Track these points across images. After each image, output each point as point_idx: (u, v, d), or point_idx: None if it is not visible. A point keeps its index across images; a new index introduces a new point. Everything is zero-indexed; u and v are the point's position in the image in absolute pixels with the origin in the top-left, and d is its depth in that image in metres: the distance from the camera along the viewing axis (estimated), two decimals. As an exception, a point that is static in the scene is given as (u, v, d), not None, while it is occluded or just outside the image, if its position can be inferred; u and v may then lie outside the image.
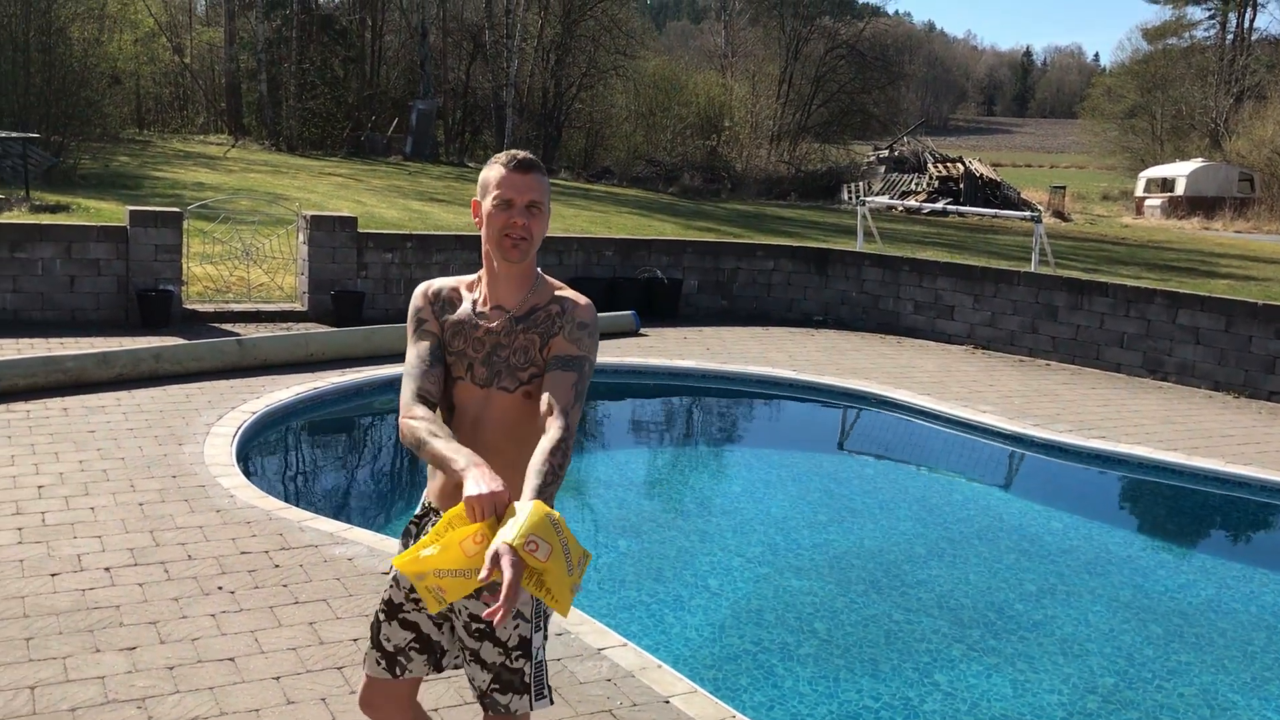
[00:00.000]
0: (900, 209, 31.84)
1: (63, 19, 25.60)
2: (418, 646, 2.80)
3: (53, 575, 4.84)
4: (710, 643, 5.23)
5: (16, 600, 4.57)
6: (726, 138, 40.89)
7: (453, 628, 2.77)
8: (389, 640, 2.81)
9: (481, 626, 2.66)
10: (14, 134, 20.27)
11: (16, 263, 9.98)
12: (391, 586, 2.85)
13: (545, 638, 2.73)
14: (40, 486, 5.94)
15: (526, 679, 2.66)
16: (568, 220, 22.37)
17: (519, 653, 2.65)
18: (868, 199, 17.25)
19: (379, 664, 2.82)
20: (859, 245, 14.93)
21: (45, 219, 14.97)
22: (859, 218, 15.46)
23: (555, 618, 3.98)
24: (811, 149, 44.08)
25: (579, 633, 4.60)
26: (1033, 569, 6.48)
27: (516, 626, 2.64)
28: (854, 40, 49.15)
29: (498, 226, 2.65)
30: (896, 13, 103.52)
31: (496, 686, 2.66)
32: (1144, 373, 11.25)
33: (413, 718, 2.93)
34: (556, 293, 2.72)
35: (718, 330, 12.43)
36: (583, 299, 2.72)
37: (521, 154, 2.70)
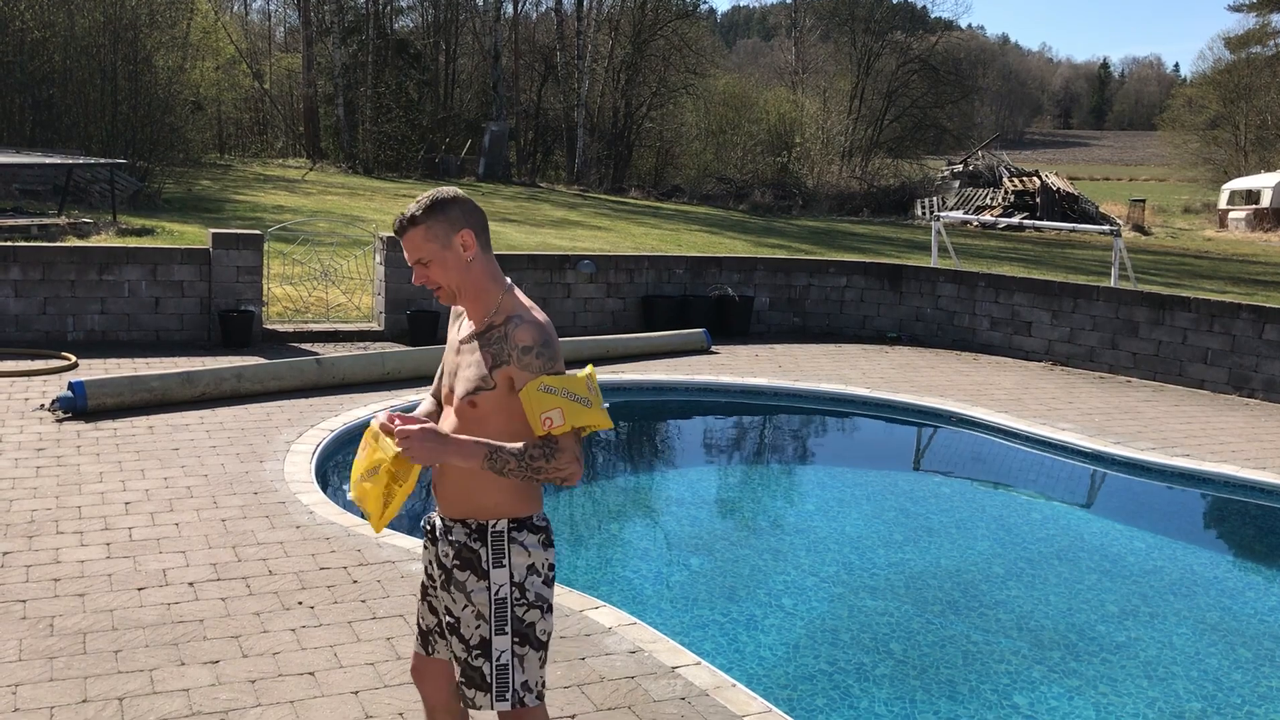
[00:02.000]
0: (975, 224, 31.45)
1: (148, 48, 26.39)
2: (439, 631, 2.98)
3: (139, 589, 4.96)
4: (785, 662, 5.19)
5: (106, 614, 4.69)
6: (797, 154, 40.78)
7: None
8: (421, 619, 3.05)
9: (450, 621, 2.86)
10: (102, 160, 20.92)
11: (105, 285, 10.28)
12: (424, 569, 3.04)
13: (528, 644, 2.80)
14: (127, 503, 6.10)
15: (487, 678, 2.79)
16: (638, 239, 22.46)
17: (478, 652, 2.80)
18: (942, 214, 17.08)
19: (417, 639, 3.08)
20: (934, 261, 14.77)
21: (131, 242, 15.41)
22: (933, 233, 15.30)
23: (557, 627, 3.97)
24: (884, 164, 43.79)
25: (652, 650, 4.60)
26: (1115, 590, 6.34)
27: (478, 627, 2.80)
28: (926, 54, 48.82)
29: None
30: (970, 26, 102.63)
31: (463, 680, 2.85)
32: (1229, 389, 10.96)
33: (450, 696, 3.04)
34: (511, 313, 2.79)
35: (790, 347, 12.38)
36: (528, 318, 2.74)
37: (404, 214, 2.84)
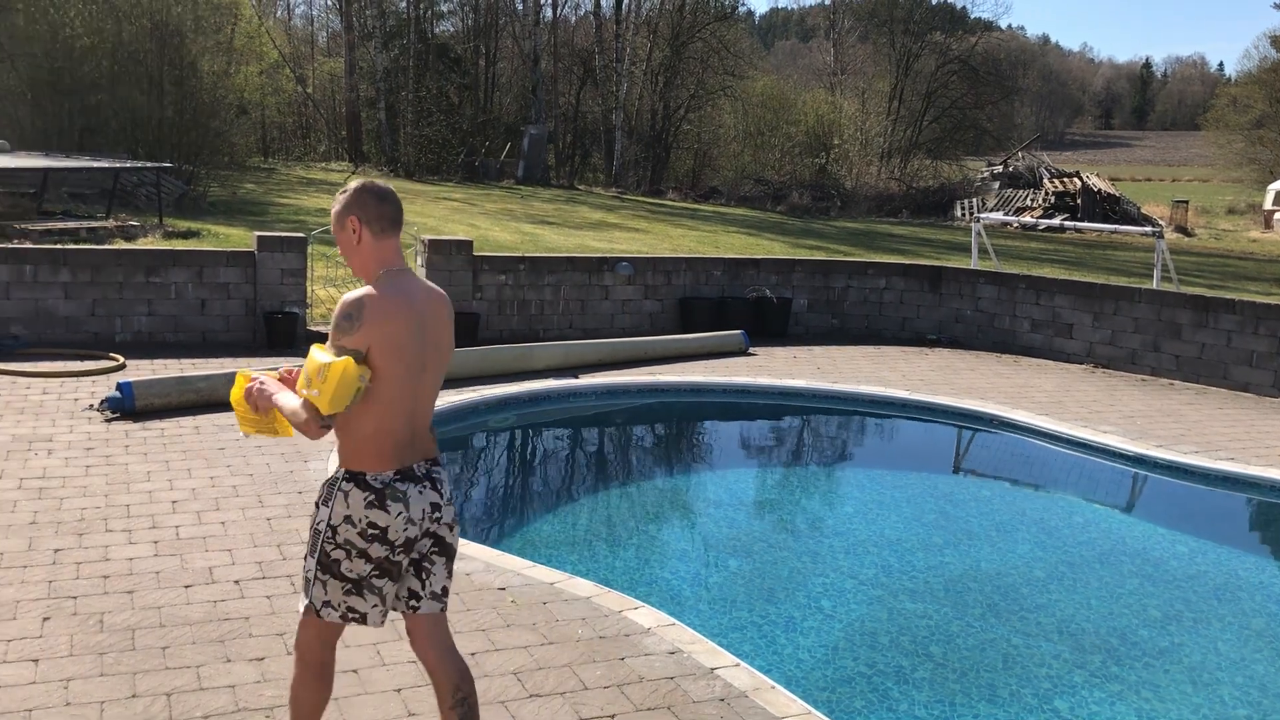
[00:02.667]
0: (1015, 225, 31.20)
1: (194, 53, 26.73)
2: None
3: (186, 587, 5.05)
4: (824, 664, 5.20)
5: (154, 610, 4.79)
6: (836, 155, 40.62)
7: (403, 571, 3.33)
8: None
9: None
10: (149, 164, 21.22)
11: (152, 287, 10.45)
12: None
13: (329, 573, 3.26)
14: (174, 501, 6.20)
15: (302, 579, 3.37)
16: (675, 241, 22.47)
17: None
18: (982, 215, 16.96)
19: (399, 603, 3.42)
20: (974, 263, 14.69)
21: (178, 244, 15.63)
22: (973, 234, 15.21)
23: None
24: (923, 165, 43.50)
25: (691, 651, 4.62)
26: (1157, 594, 6.28)
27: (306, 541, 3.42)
28: (966, 55, 48.46)
29: None
30: (1010, 27, 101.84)
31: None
32: (1275, 392, 10.82)
33: (437, 656, 3.42)
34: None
35: (828, 349, 12.35)
36: (352, 294, 3.17)
37: None
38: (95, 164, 19.56)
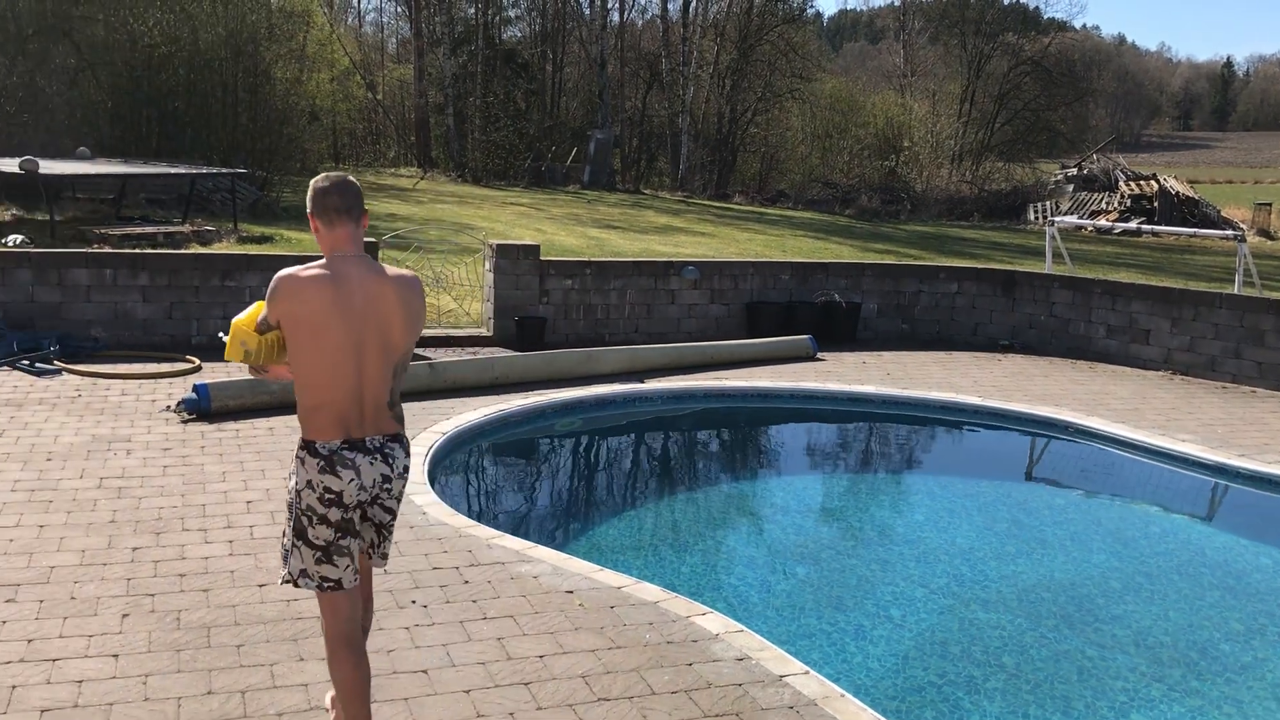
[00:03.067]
0: (1090, 229, 30.62)
1: (267, 61, 27.21)
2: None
3: (260, 586, 5.12)
4: (894, 673, 5.13)
5: (229, 609, 4.86)
6: (905, 158, 40.22)
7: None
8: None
9: None
10: (224, 170, 21.64)
11: (227, 291, 10.64)
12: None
13: (301, 539, 3.55)
14: (249, 502, 6.30)
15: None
16: (742, 244, 22.39)
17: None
18: (1056, 219, 16.66)
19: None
20: (1048, 267, 14.44)
21: (251, 249, 15.92)
22: (1047, 238, 14.95)
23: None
24: (995, 168, 42.87)
25: (760, 659, 4.59)
26: (1239, 608, 6.11)
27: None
28: (1039, 56, 47.72)
29: None
30: (1084, 26, 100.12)
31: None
32: (1364, 401, 10.48)
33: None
34: None
35: (898, 355, 12.21)
36: (279, 272, 3.53)
37: None
38: (172, 170, 19.99)
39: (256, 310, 3.59)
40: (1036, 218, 34.57)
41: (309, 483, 3.49)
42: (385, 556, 3.79)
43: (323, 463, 3.48)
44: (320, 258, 3.58)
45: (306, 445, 3.52)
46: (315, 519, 3.50)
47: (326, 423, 3.50)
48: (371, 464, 3.53)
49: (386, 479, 3.58)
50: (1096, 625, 5.75)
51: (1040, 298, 13.06)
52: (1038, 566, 6.66)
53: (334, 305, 3.46)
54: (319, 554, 3.53)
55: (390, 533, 3.75)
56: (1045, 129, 48.06)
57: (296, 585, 3.58)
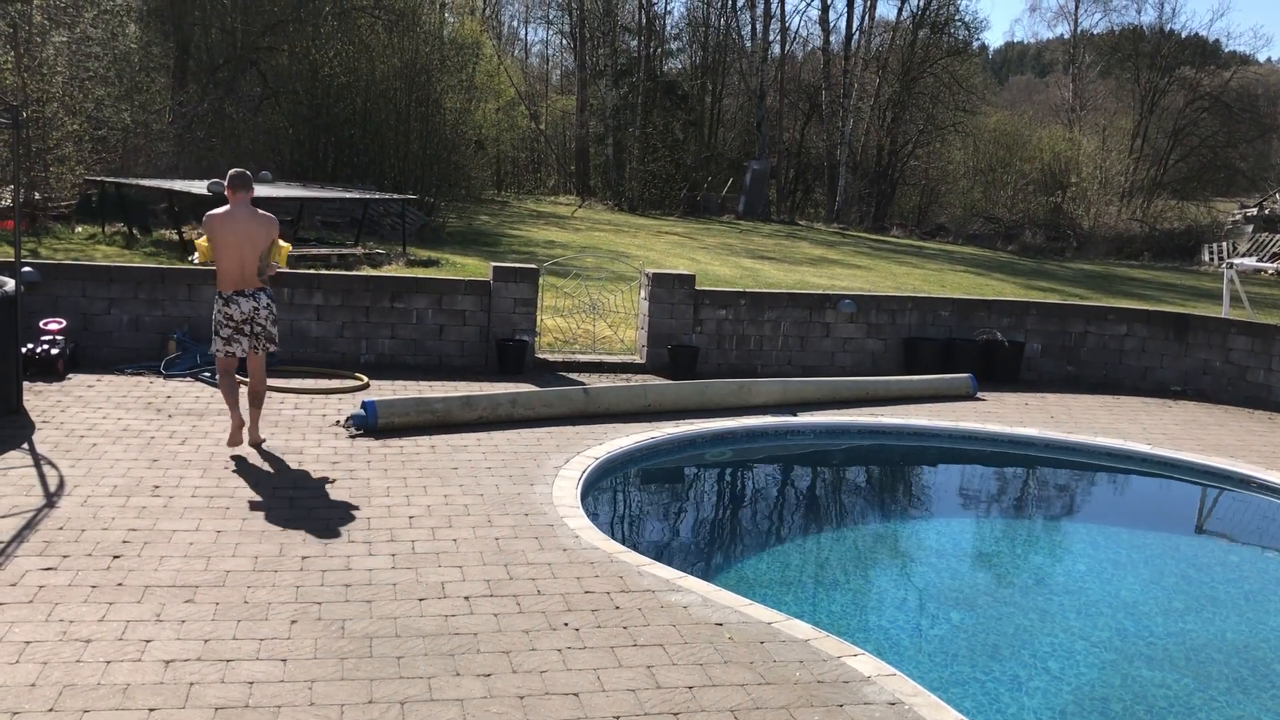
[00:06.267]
0: (1271, 271, 29.05)
1: (439, 91, 28.20)
2: (250, 337, 7.70)
3: (420, 600, 5.28)
4: (1052, 728, 4.95)
5: (390, 620, 5.03)
6: (1072, 194, 39.01)
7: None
8: (238, 340, 7.64)
9: (257, 329, 7.75)
10: (397, 195, 22.49)
11: (396, 312, 11.04)
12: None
13: (215, 336, 7.63)
14: (411, 517, 6.51)
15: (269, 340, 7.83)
16: (899, 279, 22.07)
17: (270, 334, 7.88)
18: (1234, 260, 15.90)
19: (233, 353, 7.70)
20: (1225, 311, 13.79)
21: (419, 273, 16.48)
22: (1225, 281, 14.28)
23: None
24: (1167, 206, 41.23)
25: (913, 704, 4.50)
26: None
27: (270, 324, 7.82)
28: (1219, 91, 45.70)
29: None
30: (1269, 60, 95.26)
31: (263, 343, 7.79)
32: None
33: (253, 368, 7.77)
34: None
35: (1062, 397, 11.83)
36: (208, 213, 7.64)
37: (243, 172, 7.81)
38: (347, 195, 20.88)
39: (203, 238, 7.50)
40: (1212, 259, 33.05)
41: (219, 309, 7.52)
42: (268, 350, 7.69)
43: (224, 301, 7.51)
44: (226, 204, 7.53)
45: (219, 294, 7.53)
46: (221, 326, 7.55)
47: (226, 282, 7.51)
48: (244, 300, 7.51)
49: (255, 308, 7.54)
50: (1274, 691, 5.44)
51: (1216, 343, 12.47)
52: (1208, 625, 6.34)
53: (227, 228, 7.43)
54: (224, 342, 7.57)
55: (264, 337, 7.62)
56: (1223, 166, 45.98)
57: (214, 357, 7.73)
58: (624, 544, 6.40)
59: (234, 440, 7.64)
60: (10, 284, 8.29)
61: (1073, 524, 8.85)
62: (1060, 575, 7.43)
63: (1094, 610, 6.46)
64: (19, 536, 5.78)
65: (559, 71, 58.37)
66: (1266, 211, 37.64)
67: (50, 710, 4.07)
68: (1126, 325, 12.93)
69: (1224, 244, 34.82)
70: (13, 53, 19.83)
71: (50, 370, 9.51)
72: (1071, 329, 12.92)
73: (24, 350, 9.13)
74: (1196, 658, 5.84)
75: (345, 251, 18.27)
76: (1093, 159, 41.12)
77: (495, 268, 11.34)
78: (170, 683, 4.32)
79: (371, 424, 8.35)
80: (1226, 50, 53.18)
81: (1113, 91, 49.29)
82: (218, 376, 7.70)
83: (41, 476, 6.81)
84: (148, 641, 4.67)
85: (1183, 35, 49.80)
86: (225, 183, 7.50)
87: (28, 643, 4.59)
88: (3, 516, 6.05)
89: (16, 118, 8.15)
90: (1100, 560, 7.70)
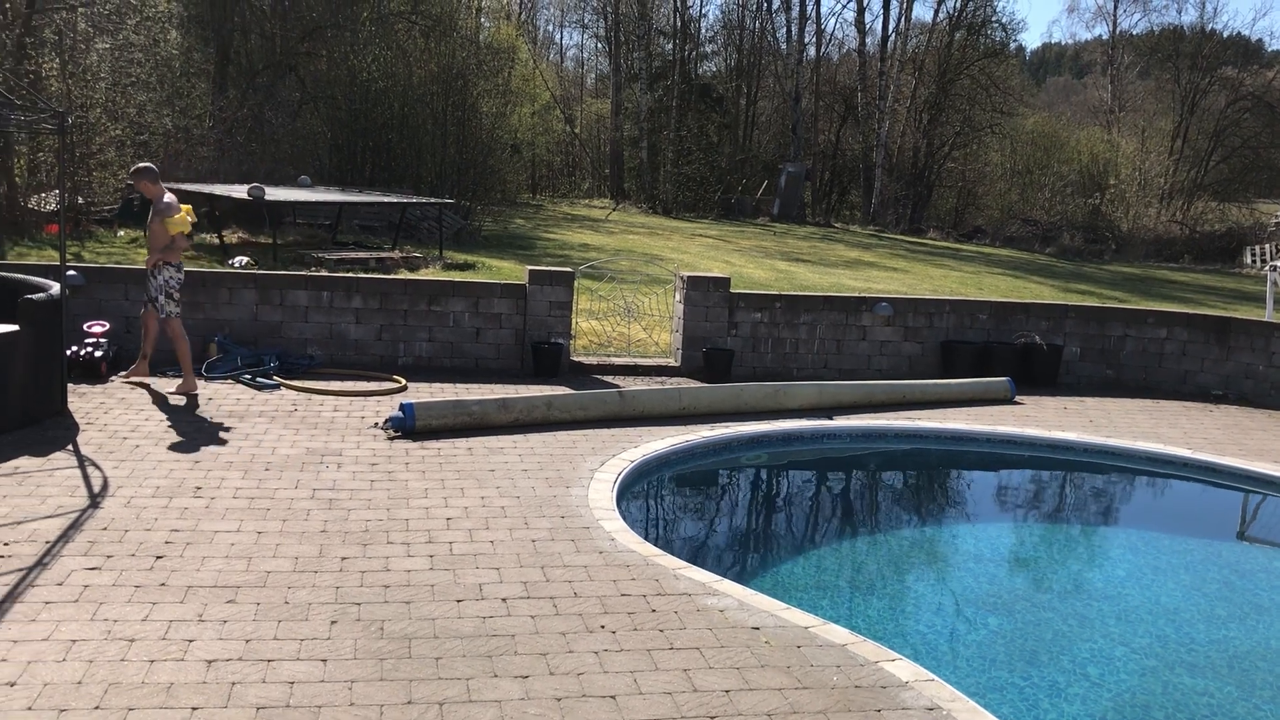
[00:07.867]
0: (1315, 274, 28.66)
1: (475, 95, 28.35)
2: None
3: (458, 601, 5.32)
4: (1091, 735, 4.91)
5: (428, 622, 5.07)
6: (1111, 196, 38.64)
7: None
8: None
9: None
10: (432, 200, 22.63)
11: (433, 315, 11.12)
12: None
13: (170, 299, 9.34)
14: (449, 519, 6.56)
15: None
16: (936, 281, 21.94)
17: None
18: (1278, 263, 15.69)
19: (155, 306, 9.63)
20: (1268, 314, 13.61)
21: (456, 276, 16.58)
22: (1268, 284, 14.10)
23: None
24: (1208, 208, 40.73)
25: (951, 709, 4.48)
26: None
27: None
28: (1262, 91, 45.08)
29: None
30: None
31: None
32: None
33: (155, 325, 9.54)
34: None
35: (1101, 401, 11.72)
36: (171, 198, 9.50)
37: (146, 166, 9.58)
38: (385, 199, 21.03)
39: (180, 214, 9.06)
40: (1254, 261, 32.62)
41: (175, 275, 9.19)
42: (161, 306, 9.34)
43: (176, 269, 9.23)
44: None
45: (179, 265, 9.27)
46: (176, 289, 9.23)
47: (179, 252, 9.30)
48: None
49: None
50: (1319, 701, 5.37)
51: (1258, 346, 12.31)
52: (1252, 633, 6.26)
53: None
54: (177, 305, 9.23)
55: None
56: (1266, 167, 45.33)
57: (171, 318, 9.20)
58: (660, 547, 6.41)
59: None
60: (55, 287, 8.42)
61: (1112, 529, 8.77)
62: (1099, 581, 7.36)
63: (1134, 616, 6.41)
64: (64, 536, 5.87)
65: (594, 75, 58.53)
66: (1310, 213, 37.12)
67: (96, 708, 4.14)
68: (1166, 329, 12.79)
69: (1267, 246, 34.35)
70: (58, 59, 20.15)
71: (94, 372, 9.65)
72: (1110, 332, 12.80)
73: (68, 352, 9.28)
74: (1239, 665, 5.78)
75: (383, 255, 18.41)
76: (1131, 160, 40.72)
77: (530, 271, 11.39)
78: (213, 682, 4.38)
79: (409, 426, 8.41)
80: (1270, 50, 52.53)
81: (1152, 92, 48.78)
82: (180, 342, 9.29)
83: (86, 477, 6.92)
84: (190, 641, 4.73)
85: (1224, 35, 49.28)
86: (153, 173, 9.31)
87: (74, 641, 4.66)
88: (49, 517, 6.16)
89: (62, 123, 8.28)
90: (1140, 566, 7.63)
